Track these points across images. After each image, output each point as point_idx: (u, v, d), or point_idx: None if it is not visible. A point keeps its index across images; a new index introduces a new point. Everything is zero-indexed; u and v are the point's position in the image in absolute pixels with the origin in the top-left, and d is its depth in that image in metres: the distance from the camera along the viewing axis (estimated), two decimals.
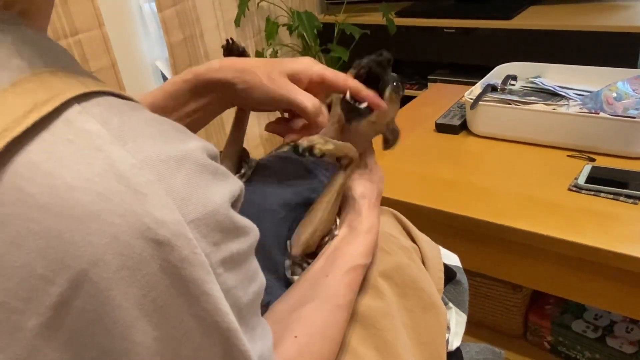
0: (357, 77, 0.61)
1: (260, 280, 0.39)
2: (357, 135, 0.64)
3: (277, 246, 0.58)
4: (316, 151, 0.56)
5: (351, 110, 0.60)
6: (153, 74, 2.18)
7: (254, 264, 0.38)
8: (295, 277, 0.57)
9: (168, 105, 0.62)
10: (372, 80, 0.61)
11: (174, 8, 2.02)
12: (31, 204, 0.28)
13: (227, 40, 0.64)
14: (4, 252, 0.28)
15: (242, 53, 0.64)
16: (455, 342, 0.66)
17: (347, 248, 0.58)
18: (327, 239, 0.59)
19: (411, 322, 0.60)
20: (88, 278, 0.28)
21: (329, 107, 0.66)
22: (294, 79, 0.58)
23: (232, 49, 0.64)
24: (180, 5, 2.05)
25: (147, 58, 2.13)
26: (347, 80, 0.60)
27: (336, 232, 0.59)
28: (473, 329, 1.40)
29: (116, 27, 1.87)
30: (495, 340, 1.38)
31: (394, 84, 0.62)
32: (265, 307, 0.54)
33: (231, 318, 0.33)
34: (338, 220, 0.60)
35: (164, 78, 2.24)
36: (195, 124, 0.63)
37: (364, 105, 0.59)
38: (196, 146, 0.34)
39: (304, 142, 0.56)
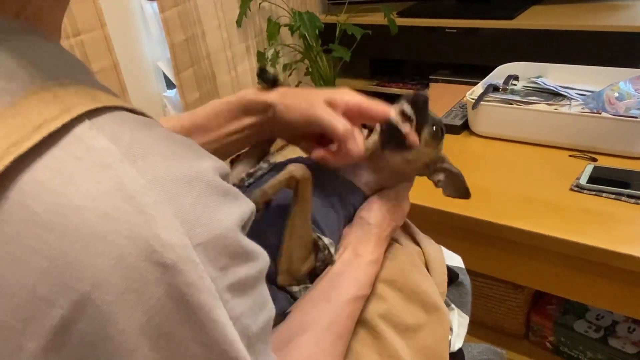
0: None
1: (269, 309, 0.37)
2: (388, 167, 0.63)
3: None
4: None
5: (391, 135, 0.59)
6: (155, 75, 2.19)
7: (264, 292, 0.37)
8: (295, 288, 0.57)
9: (208, 125, 0.63)
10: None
11: (176, 9, 2.03)
12: (36, 222, 0.27)
13: (261, 69, 0.63)
14: (5, 271, 0.27)
15: (274, 81, 0.63)
16: (457, 343, 0.66)
17: (351, 275, 0.57)
18: (320, 256, 0.58)
19: (414, 325, 0.60)
20: (91, 301, 0.28)
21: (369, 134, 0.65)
22: (331, 104, 0.58)
23: (266, 79, 0.63)
24: (182, 6, 2.06)
25: (149, 58, 2.13)
26: (386, 109, 0.60)
27: (332, 255, 0.58)
28: (475, 329, 1.39)
29: (118, 28, 1.87)
30: (497, 341, 1.38)
31: (433, 127, 0.61)
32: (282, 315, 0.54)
33: (240, 346, 0.32)
34: (331, 248, 0.58)
35: (166, 78, 2.24)
36: (232, 146, 0.63)
37: (406, 127, 0.58)
38: (208, 166, 0.33)
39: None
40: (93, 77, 0.35)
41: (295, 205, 0.56)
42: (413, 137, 0.59)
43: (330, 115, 0.57)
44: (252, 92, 0.62)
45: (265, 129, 0.62)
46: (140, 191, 0.29)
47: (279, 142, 0.68)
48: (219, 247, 0.31)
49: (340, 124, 0.56)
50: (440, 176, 0.66)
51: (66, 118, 0.29)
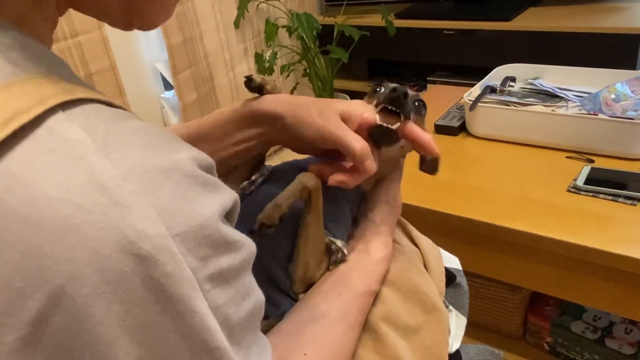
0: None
1: (256, 297, 0.37)
2: (386, 159, 0.62)
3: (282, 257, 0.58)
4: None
5: (383, 136, 0.57)
6: (153, 76, 2.19)
7: (248, 280, 0.37)
8: (301, 296, 0.57)
9: (214, 134, 0.61)
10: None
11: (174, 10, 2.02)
12: (9, 214, 0.27)
13: (246, 78, 0.62)
14: None
15: (260, 89, 0.61)
16: (455, 344, 0.66)
17: (361, 272, 0.58)
18: (333, 259, 0.58)
19: (413, 326, 0.60)
20: (66, 294, 0.27)
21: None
22: (345, 119, 0.55)
23: (252, 88, 0.61)
24: (180, 7, 2.06)
25: (147, 60, 2.13)
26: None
27: (345, 255, 0.58)
28: (472, 330, 1.39)
29: (116, 29, 1.87)
30: (495, 342, 1.38)
31: (415, 104, 0.60)
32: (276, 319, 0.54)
33: (220, 337, 0.32)
34: (345, 249, 0.58)
35: (164, 80, 2.24)
36: (237, 156, 0.61)
37: (395, 125, 0.56)
38: (187, 156, 0.33)
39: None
40: (70, 73, 0.35)
41: (309, 215, 0.56)
42: (403, 129, 0.58)
43: (347, 133, 0.54)
44: (259, 102, 0.59)
45: (272, 139, 0.61)
46: (115, 182, 0.29)
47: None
48: (198, 237, 0.31)
49: (357, 144, 0.53)
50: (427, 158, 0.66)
51: (39, 109, 0.29)
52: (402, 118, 0.57)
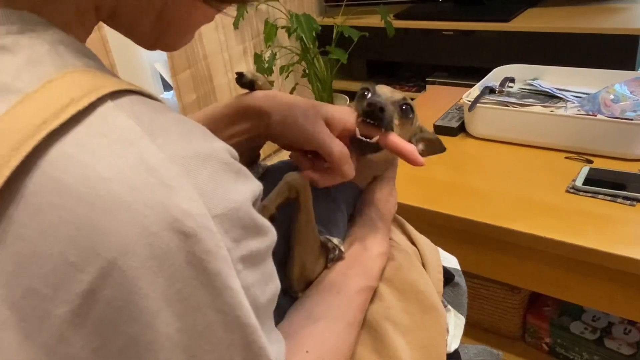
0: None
1: (276, 284, 0.39)
2: (379, 160, 0.63)
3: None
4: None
5: (363, 147, 0.58)
6: (152, 77, 2.19)
7: (271, 266, 0.38)
8: (300, 294, 0.57)
9: (208, 128, 0.62)
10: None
11: None
12: (65, 193, 0.29)
13: (237, 74, 0.63)
14: (37, 240, 0.29)
15: (252, 85, 0.62)
16: (453, 344, 0.66)
17: (360, 268, 0.58)
18: (330, 257, 0.59)
19: (411, 325, 0.60)
20: (117, 267, 0.29)
21: None
22: (328, 124, 0.57)
23: (242, 84, 0.62)
24: None
25: (146, 60, 2.13)
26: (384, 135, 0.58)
27: (342, 252, 0.58)
28: (471, 330, 1.40)
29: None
30: (493, 342, 1.38)
31: (403, 107, 0.60)
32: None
33: (252, 314, 0.34)
34: (342, 246, 0.58)
35: (163, 80, 2.24)
36: None
37: (375, 139, 0.57)
38: (220, 146, 0.35)
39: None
40: (109, 70, 0.38)
41: (299, 214, 0.56)
42: (385, 141, 0.58)
43: (327, 137, 0.56)
44: (250, 97, 0.61)
45: (260, 135, 0.61)
46: (162, 165, 0.31)
47: (273, 146, 0.67)
48: (233, 219, 0.33)
49: (336, 148, 0.55)
50: (421, 145, 0.66)
51: (92, 98, 0.31)
52: (383, 130, 0.57)
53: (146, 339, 0.30)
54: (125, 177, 0.30)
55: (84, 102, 0.31)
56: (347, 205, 0.64)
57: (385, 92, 0.61)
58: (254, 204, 0.36)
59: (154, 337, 0.30)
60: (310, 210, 0.57)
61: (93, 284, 0.29)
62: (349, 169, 0.56)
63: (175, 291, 0.30)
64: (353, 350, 0.54)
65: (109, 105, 0.32)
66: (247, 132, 0.61)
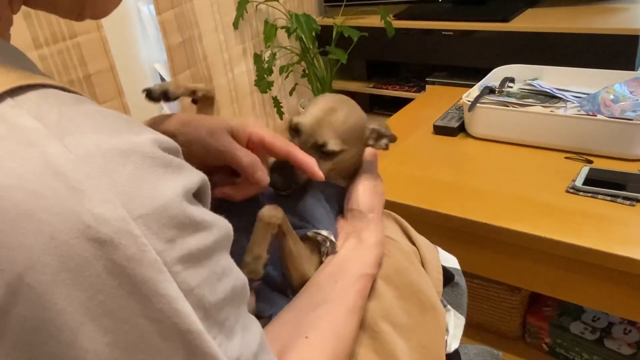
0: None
1: (235, 277, 0.36)
2: (347, 158, 0.64)
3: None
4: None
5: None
6: (152, 77, 2.18)
7: (224, 261, 0.36)
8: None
9: None
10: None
11: (173, 11, 2.03)
12: None
13: (146, 90, 0.61)
14: None
15: (165, 95, 0.61)
16: (453, 344, 0.66)
17: (357, 258, 0.59)
18: (323, 250, 0.59)
19: (410, 324, 0.60)
20: (25, 283, 0.27)
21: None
22: (234, 135, 0.57)
23: (152, 97, 0.61)
24: (179, 8, 2.06)
25: (146, 61, 2.13)
26: (289, 146, 0.58)
27: (334, 242, 0.59)
28: (471, 330, 1.40)
29: (115, 30, 1.87)
30: (493, 342, 1.38)
31: (321, 151, 0.60)
32: (268, 318, 0.54)
33: (192, 319, 0.31)
34: (331, 237, 0.59)
35: (163, 81, 2.24)
36: None
37: (286, 191, 0.59)
38: (147, 138, 0.32)
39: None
40: (25, 60, 0.35)
41: (285, 239, 0.57)
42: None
43: (235, 149, 0.55)
44: (153, 123, 0.58)
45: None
46: (69, 166, 0.28)
47: None
48: (162, 218, 0.30)
49: (244, 157, 0.55)
50: (383, 142, 0.68)
51: None
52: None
53: (70, 358, 0.28)
54: (27, 183, 0.27)
55: None
56: (332, 202, 0.65)
57: (308, 130, 0.61)
58: (197, 196, 0.34)
59: (79, 355, 0.28)
60: (292, 231, 0.58)
61: (2, 303, 0.27)
62: (262, 176, 0.56)
63: (97, 304, 0.28)
64: (354, 337, 0.54)
65: (8, 103, 0.29)
66: None
